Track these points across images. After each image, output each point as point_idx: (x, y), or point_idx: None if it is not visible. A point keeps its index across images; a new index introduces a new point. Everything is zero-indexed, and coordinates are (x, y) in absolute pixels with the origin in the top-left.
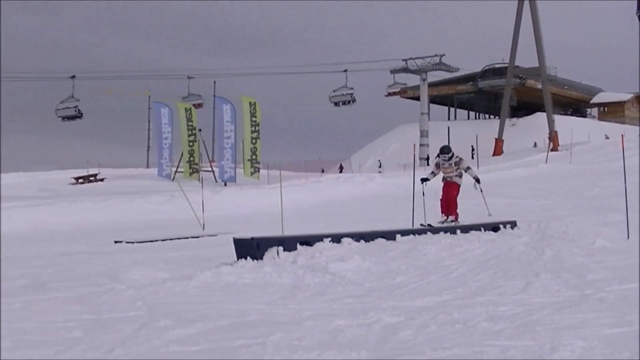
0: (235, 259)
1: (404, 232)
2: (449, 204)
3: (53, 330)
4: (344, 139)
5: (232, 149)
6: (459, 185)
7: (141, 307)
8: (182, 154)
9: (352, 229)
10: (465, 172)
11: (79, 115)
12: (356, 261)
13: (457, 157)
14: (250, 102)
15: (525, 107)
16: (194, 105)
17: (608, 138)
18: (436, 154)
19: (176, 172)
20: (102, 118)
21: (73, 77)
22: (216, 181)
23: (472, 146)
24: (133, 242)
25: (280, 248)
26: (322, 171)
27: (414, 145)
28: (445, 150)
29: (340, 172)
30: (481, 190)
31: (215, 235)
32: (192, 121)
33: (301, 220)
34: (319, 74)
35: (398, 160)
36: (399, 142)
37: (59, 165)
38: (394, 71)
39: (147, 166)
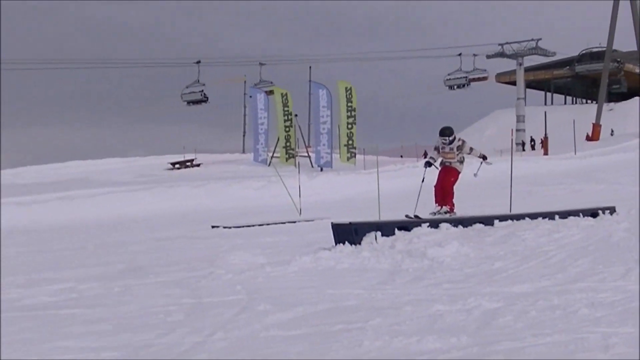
0: (334, 243)
1: (502, 218)
2: (444, 192)
3: (153, 314)
4: (440, 125)
5: (329, 134)
6: (458, 172)
7: (241, 292)
8: (278, 140)
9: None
10: (469, 154)
11: (204, 99)
12: (454, 246)
13: (459, 140)
14: (346, 87)
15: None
16: (265, 92)
17: None
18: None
19: (272, 157)
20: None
21: (198, 62)
22: (312, 166)
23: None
24: (230, 227)
25: (378, 233)
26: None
27: (512, 130)
28: (445, 132)
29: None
30: (488, 163)
31: (312, 221)
32: (288, 106)
33: (398, 205)
34: (411, 59)
35: (494, 145)
36: (495, 127)
37: (156, 151)
38: (490, 56)
39: (243, 152)
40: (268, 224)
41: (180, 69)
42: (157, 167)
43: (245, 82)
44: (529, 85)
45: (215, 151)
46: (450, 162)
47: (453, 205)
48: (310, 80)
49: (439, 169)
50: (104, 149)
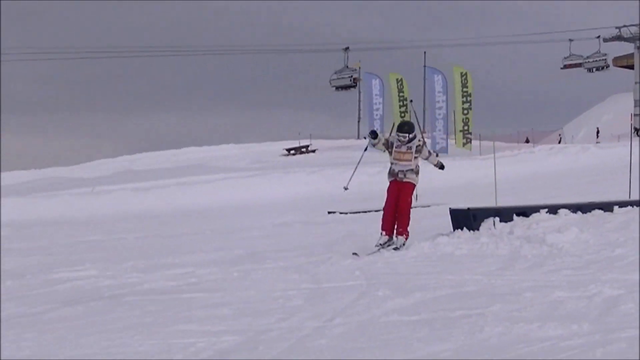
0: (452, 229)
1: (622, 204)
2: (400, 215)
3: (273, 299)
4: (554, 110)
5: (444, 119)
6: (414, 187)
7: (359, 277)
8: (393, 125)
9: (567, 200)
10: (427, 159)
11: (353, 85)
12: (574, 233)
13: (419, 140)
14: (461, 73)
15: None
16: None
17: None
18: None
19: None
20: (312, 88)
21: (347, 48)
22: None
23: None
24: (346, 213)
25: (497, 219)
26: (527, 141)
27: (631, 114)
28: (404, 127)
29: (559, 143)
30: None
31: (428, 206)
32: (403, 92)
33: (514, 191)
34: (526, 44)
35: (612, 130)
36: (612, 112)
37: (271, 137)
38: (607, 39)
39: (358, 137)
40: None
41: (299, 55)
42: (272, 153)
43: (359, 67)
44: None
45: (329, 137)
46: (404, 172)
47: (408, 232)
48: (425, 66)
49: (389, 181)
50: (217, 135)
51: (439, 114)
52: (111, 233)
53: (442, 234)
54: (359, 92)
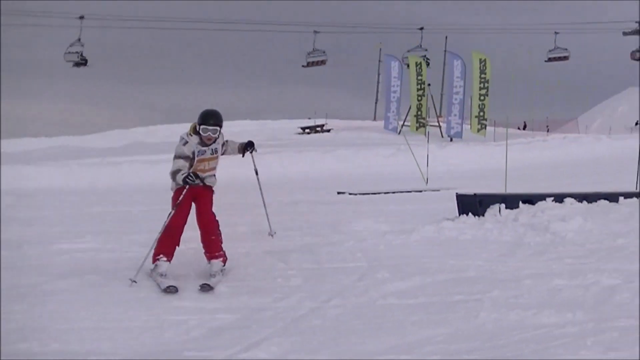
0: (457, 214)
1: (628, 195)
2: (206, 233)
3: (272, 279)
4: (570, 99)
5: (461, 104)
6: (213, 194)
7: (361, 259)
8: (409, 108)
9: (575, 189)
10: (229, 153)
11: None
12: (578, 222)
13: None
14: (480, 59)
15: None
16: (316, 62)
17: None
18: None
19: (403, 125)
20: (337, 67)
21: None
22: (442, 136)
23: None
24: (356, 194)
25: (503, 205)
26: (525, 127)
27: None
28: (212, 120)
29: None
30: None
31: (438, 191)
32: (421, 75)
33: (525, 179)
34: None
35: (627, 122)
36: (628, 104)
37: (287, 114)
38: (626, 33)
39: (374, 119)
40: (394, 192)
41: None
42: (287, 130)
43: (380, 49)
44: None
45: (346, 117)
46: (204, 176)
47: (225, 254)
48: (445, 50)
49: (182, 193)
50: (233, 110)
51: (456, 99)
52: (117, 205)
53: (448, 219)
54: (378, 74)
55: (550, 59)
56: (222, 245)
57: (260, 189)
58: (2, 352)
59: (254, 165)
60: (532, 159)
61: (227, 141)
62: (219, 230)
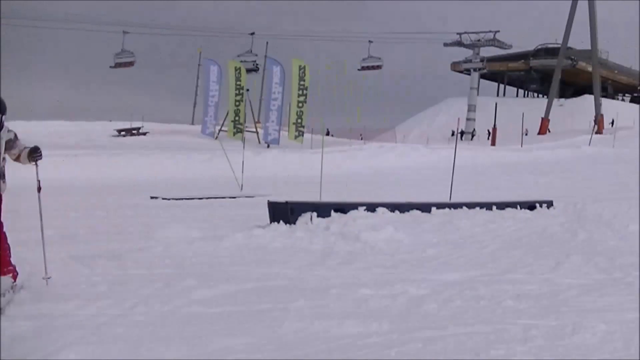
0: (269, 222)
1: (440, 205)
2: None
3: (75, 285)
4: (389, 108)
5: (279, 111)
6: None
7: (169, 265)
8: (227, 113)
9: (389, 199)
10: (18, 159)
11: (255, 69)
12: (389, 231)
13: (9, 130)
14: (300, 65)
15: (574, 88)
16: (124, 63)
17: None
18: None
19: (220, 130)
20: (152, 69)
21: (252, 34)
22: (259, 142)
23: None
24: (169, 199)
25: (314, 214)
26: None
27: (458, 119)
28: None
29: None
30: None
31: (252, 197)
32: (240, 80)
33: (340, 187)
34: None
35: (444, 134)
36: (447, 115)
37: (105, 116)
38: (447, 44)
39: (192, 123)
40: (208, 198)
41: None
42: (103, 132)
43: (200, 53)
44: (483, 75)
45: (164, 121)
46: None
47: (15, 269)
48: (266, 56)
49: None
50: (44, 110)
51: (274, 105)
52: None
53: (259, 226)
54: (197, 78)
55: (363, 68)
56: (11, 260)
57: (40, 212)
58: None
59: (37, 178)
60: (349, 167)
61: (17, 139)
62: (7, 243)
